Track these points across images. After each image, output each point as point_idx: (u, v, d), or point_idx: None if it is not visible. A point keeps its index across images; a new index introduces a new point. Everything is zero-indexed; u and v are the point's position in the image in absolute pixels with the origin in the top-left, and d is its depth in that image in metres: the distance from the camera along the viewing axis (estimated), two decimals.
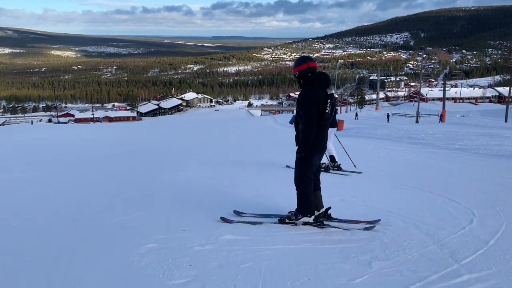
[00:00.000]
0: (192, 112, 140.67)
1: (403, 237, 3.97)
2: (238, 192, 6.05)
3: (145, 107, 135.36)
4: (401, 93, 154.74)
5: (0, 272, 3.26)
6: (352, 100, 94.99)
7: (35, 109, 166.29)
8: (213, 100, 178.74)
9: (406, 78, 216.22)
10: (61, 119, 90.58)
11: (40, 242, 3.95)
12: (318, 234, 4.09)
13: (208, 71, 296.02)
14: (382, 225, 4.33)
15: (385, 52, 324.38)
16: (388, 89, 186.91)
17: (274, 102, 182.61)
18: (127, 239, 3.97)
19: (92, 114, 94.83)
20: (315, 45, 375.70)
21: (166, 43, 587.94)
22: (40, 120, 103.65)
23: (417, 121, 37.12)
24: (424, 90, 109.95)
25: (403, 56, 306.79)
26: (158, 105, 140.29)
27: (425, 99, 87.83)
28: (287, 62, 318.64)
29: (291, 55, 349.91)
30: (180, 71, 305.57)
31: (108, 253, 3.61)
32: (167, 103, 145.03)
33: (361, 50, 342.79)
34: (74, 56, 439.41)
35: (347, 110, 74.84)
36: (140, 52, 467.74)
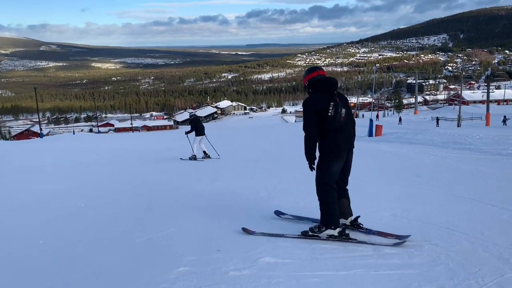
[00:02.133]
0: (227, 119, 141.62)
1: (471, 262, 3.40)
2: (277, 205, 5.60)
3: (181, 116, 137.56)
4: (440, 97, 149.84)
5: None
6: (389, 105, 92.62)
7: (77, 120, 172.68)
8: (247, 107, 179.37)
9: (445, 81, 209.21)
10: (101, 129, 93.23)
11: (65, 264, 3.66)
12: (371, 257, 3.58)
13: (242, 79, 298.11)
14: (445, 247, 3.76)
15: (422, 55, 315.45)
16: (427, 92, 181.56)
17: None
18: (156, 261, 3.62)
19: (131, 124, 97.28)
20: (350, 50, 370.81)
21: (201, 53, 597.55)
22: (82, 130, 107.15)
23: (458, 125, 35.43)
24: (465, 93, 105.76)
25: (442, 59, 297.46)
26: (194, 114, 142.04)
27: (466, 102, 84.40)
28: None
29: (325, 60, 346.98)
30: (215, 80, 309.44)
31: (136, 278, 3.26)
32: (202, 112, 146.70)
33: (398, 54, 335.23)
34: (113, 67, 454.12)
35: (384, 115, 72.82)
36: (177, 62, 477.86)
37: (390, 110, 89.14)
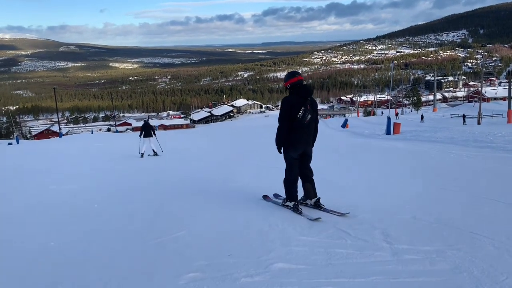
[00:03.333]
0: (243, 118, 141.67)
1: (497, 269, 3.20)
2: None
3: (198, 115, 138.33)
4: (459, 93, 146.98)
5: None
6: (407, 102, 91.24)
7: (95, 119, 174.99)
8: (263, 106, 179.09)
9: (465, 78, 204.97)
10: (119, 128, 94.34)
11: (76, 267, 3.58)
12: (389, 263, 3.40)
13: (258, 77, 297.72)
14: (468, 252, 3.56)
15: (441, 51, 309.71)
16: (446, 89, 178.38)
17: (325, 106, 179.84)
18: (167, 265, 3.52)
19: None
20: (367, 47, 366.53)
21: (218, 52, 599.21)
22: (100, 130, 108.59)
23: (479, 122, 34.55)
24: (486, 90, 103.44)
25: (461, 55, 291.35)
26: (210, 112, 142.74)
27: (486, 99, 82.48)
28: (338, 65, 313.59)
29: (341, 57, 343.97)
30: (231, 79, 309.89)
31: (145, 283, 3.17)
32: (218, 110, 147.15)
33: (415, 50, 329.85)
34: (130, 67, 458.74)
35: (402, 112, 71.79)
36: (193, 61, 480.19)
37: (408, 108, 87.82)
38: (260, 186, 7.02)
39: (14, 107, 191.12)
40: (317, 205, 5.24)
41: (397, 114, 48.66)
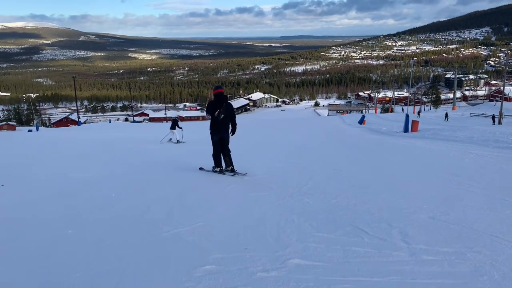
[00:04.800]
0: (259, 111, 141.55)
1: None
2: (307, 201, 5.44)
3: None
4: (480, 92, 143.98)
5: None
6: (426, 100, 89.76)
7: (113, 109, 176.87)
8: (279, 99, 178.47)
9: (486, 76, 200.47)
10: (136, 118, 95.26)
11: (92, 256, 3.62)
12: (407, 263, 3.36)
13: (275, 71, 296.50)
14: (489, 255, 3.49)
15: (462, 49, 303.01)
16: (466, 87, 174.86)
17: (342, 102, 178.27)
18: (183, 256, 3.54)
19: (165, 114, 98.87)
20: (386, 43, 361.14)
21: (235, 44, 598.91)
22: (118, 119, 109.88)
23: (499, 122, 33.78)
24: (508, 89, 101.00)
25: (483, 53, 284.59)
26: None
27: (508, 98, 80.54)
28: (356, 61, 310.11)
29: (360, 53, 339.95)
30: (248, 72, 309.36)
31: (161, 275, 3.19)
32: (234, 103, 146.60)
33: (436, 47, 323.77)
34: (149, 58, 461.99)
35: (421, 110, 70.68)
36: (211, 53, 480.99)
37: (427, 105, 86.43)
38: (275, 181, 7.00)
39: (35, 95, 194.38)
40: (233, 171, 7.65)
41: (418, 113, 47.41)
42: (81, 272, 3.25)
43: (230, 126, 7.67)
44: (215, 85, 7.77)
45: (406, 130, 21.44)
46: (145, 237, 4.10)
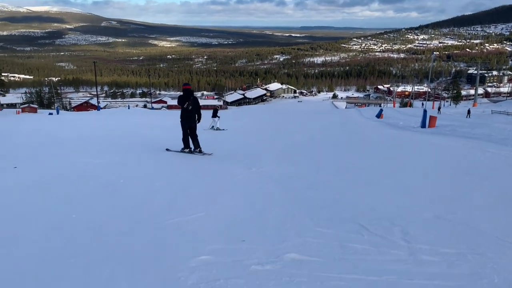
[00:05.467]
0: (275, 102, 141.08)
1: None
2: (313, 196, 5.40)
3: (231, 97, 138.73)
4: (503, 89, 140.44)
5: (41, 272, 3.01)
6: (446, 95, 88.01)
7: (132, 95, 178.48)
8: (297, 91, 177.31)
9: (511, 73, 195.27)
10: (154, 105, 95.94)
11: (92, 241, 3.68)
12: (405, 262, 3.31)
13: (294, 61, 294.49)
14: (491, 258, 3.42)
15: (487, 44, 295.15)
16: (489, 84, 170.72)
17: (361, 95, 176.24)
18: (181, 246, 3.57)
19: None
20: (408, 36, 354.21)
21: (255, 34, 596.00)
22: (136, 105, 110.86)
23: None
24: None
25: (508, 49, 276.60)
26: (243, 95, 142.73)
27: None
28: (377, 53, 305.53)
29: (381, 45, 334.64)
30: (266, 62, 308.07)
31: (156, 264, 3.22)
32: (252, 93, 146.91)
33: (460, 42, 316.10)
34: (169, 45, 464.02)
35: (440, 106, 69.42)
36: (230, 42, 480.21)
37: (447, 101, 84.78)
38: (282, 173, 6.98)
39: (56, 79, 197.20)
40: (200, 152, 9.11)
41: (439, 109, 46.20)
42: (78, 257, 3.31)
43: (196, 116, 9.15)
44: (184, 82, 9.75)
45: (423, 125, 21.08)
46: (147, 225, 4.15)
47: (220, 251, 3.43)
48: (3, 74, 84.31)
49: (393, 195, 5.55)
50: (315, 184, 6.13)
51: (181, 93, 9.08)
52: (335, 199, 5.24)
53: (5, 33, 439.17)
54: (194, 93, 9.23)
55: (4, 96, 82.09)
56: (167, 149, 9.55)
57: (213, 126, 20.02)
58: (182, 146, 9.32)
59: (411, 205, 5.04)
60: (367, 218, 4.40)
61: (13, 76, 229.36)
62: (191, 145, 9.24)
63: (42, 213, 4.50)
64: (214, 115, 20.47)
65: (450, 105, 78.74)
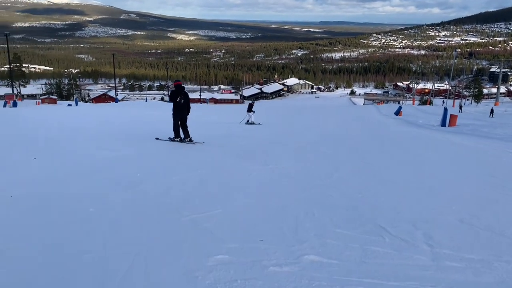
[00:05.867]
0: (293, 97, 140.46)
1: None
2: (330, 194, 5.30)
3: (248, 91, 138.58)
4: None
5: (54, 270, 2.99)
6: (467, 93, 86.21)
7: (150, 88, 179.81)
8: (314, 86, 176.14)
9: None
10: None
11: (108, 236, 3.66)
12: (428, 268, 3.19)
13: (312, 56, 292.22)
14: None
15: (510, 42, 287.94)
16: (511, 82, 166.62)
17: (379, 91, 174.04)
18: (196, 244, 3.51)
19: (200, 95, 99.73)
20: (429, 32, 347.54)
21: (273, 28, 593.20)
22: (154, 98, 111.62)
23: None
24: None
25: None
26: (260, 89, 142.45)
27: None
28: (397, 50, 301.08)
29: (401, 42, 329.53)
30: (284, 56, 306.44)
31: (172, 262, 3.16)
32: (269, 88, 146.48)
33: (482, 39, 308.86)
34: (187, 39, 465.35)
35: (461, 104, 68.07)
36: (248, 36, 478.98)
37: (468, 99, 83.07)
38: (300, 170, 6.89)
39: (76, 70, 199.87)
40: (191, 141, 9.91)
41: (460, 107, 45.06)
42: (95, 252, 3.28)
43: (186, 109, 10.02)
44: (175, 79, 10.63)
45: (443, 124, 20.67)
46: (163, 220, 4.11)
47: (237, 251, 3.37)
48: (24, 65, 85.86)
49: (415, 196, 5.41)
50: (334, 183, 6.02)
51: (173, 89, 10.07)
52: (355, 199, 5.12)
53: (26, 24, 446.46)
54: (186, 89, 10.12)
55: (25, 87, 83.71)
56: (156, 138, 10.26)
57: (248, 121, 20.37)
58: (173, 136, 10.17)
59: (434, 207, 4.89)
60: (389, 220, 4.28)
61: (34, 67, 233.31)
62: (181, 135, 10.03)
63: (60, 206, 4.50)
64: (249, 109, 20.86)
65: (471, 103, 77.16)
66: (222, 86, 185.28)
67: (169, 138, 10.15)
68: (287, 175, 6.52)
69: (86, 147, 9.02)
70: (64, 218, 4.09)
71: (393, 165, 7.99)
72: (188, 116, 10.12)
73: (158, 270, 3.01)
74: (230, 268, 3.04)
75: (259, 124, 19.75)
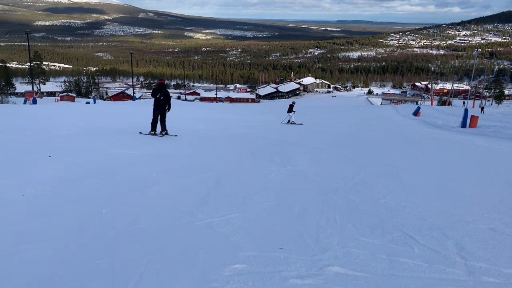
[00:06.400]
0: (309, 97, 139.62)
1: None
2: (352, 199, 5.05)
3: (264, 90, 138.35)
4: None
5: (62, 277, 2.83)
6: (487, 94, 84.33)
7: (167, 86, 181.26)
8: (331, 85, 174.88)
9: None
10: (188, 97, 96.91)
11: (121, 241, 3.49)
12: (464, 284, 2.92)
13: (329, 55, 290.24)
14: None
15: None
16: None
17: (397, 91, 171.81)
18: (213, 251, 3.31)
19: (216, 94, 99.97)
20: (449, 32, 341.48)
21: (290, 27, 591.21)
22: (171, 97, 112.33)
23: None
24: None
25: None
26: (276, 88, 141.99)
27: None
28: (415, 49, 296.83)
29: (420, 41, 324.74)
30: (300, 55, 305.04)
31: (187, 270, 2.98)
32: (285, 87, 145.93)
33: (504, 39, 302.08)
34: (204, 38, 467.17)
35: (484, 105, 66.57)
36: (265, 35, 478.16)
37: (488, 100, 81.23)
38: (319, 173, 6.63)
39: (94, 68, 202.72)
40: (167, 134, 10.88)
41: (482, 109, 43.80)
42: (106, 258, 3.11)
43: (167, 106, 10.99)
44: (160, 78, 12.80)
45: (464, 125, 20.10)
46: (178, 224, 3.93)
47: (256, 259, 3.16)
48: (44, 63, 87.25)
49: (440, 202, 5.12)
50: (355, 186, 5.76)
51: (156, 87, 11.10)
52: (378, 204, 4.87)
53: (47, 23, 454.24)
54: (168, 88, 11.55)
55: (44, 84, 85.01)
56: (140, 133, 11.08)
57: (289, 120, 20.65)
58: (150, 130, 11.03)
59: (462, 213, 4.60)
60: (416, 228, 4.01)
61: (54, 65, 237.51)
62: (158, 129, 10.98)
63: (72, 207, 4.36)
64: (290, 110, 21.15)
65: (491, 104, 75.50)
66: (238, 85, 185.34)
67: (149, 133, 10.96)
68: (306, 177, 6.28)
69: (102, 146, 8.92)
70: (75, 220, 3.94)
71: (414, 167, 7.67)
72: (206, 115, 10.36)
73: (171, 280, 2.82)
74: (248, 279, 2.84)
75: (300, 124, 19.84)
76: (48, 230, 3.65)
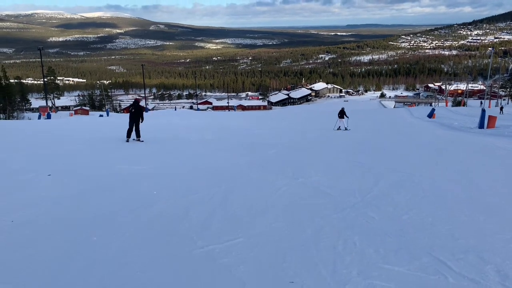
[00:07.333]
0: (321, 102, 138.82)
1: None
2: (371, 216, 4.54)
3: (275, 97, 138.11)
4: None
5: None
6: (503, 93, 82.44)
7: (179, 97, 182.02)
8: (343, 90, 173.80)
9: None
10: (200, 106, 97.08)
11: (108, 275, 3.05)
12: None
13: (339, 60, 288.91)
14: None
15: None
16: None
17: (410, 93, 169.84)
18: (212, 287, 2.85)
19: (228, 103, 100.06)
20: (461, 32, 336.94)
21: (300, 33, 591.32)
22: (183, 107, 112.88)
23: None
24: None
25: None
26: (288, 95, 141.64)
27: None
28: (427, 51, 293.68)
29: (431, 42, 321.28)
30: (311, 61, 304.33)
31: None
32: (296, 93, 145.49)
33: None
34: (214, 47, 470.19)
35: (503, 105, 65.07)
36: (275, 43, 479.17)
37: (504, 99, 79.35)
38: (333, 186, 6.12)
39: (107, 82, 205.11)
40: (139, 140, 12.44)
41: (501, 109, 42.33)
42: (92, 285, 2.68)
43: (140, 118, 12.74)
44: (136, 98, 14.94)
45: (481, 126, 19.33)
46: (174, 253, 3.47)
47: None
48: (58, 78, 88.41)
49: (472, 217, 4.57)
50: (374, 200, 5.23)
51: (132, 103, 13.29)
52: (402, 221, 4.34)
53: (61, 39, 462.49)
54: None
55: (59, 99, 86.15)
56: (127, 138, 12.58)
57: (339, 127, 20.92)
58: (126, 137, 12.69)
59: (500, 230, 4.05)
60: (447, 250, 3.49)
61: (68, 80, 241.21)
62: (132, 137, 12.61)
63: (60, 233, 3.95)
64: (341, 116, 21.38)
65: (507, 103, 73.76)
66: (249, 93, 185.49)
67: (126, 140, 12.62)
68: (319, 190, 5.78)
69: (106, 160, 8.58)
70: (60, 251, 3.52)
71: (437, 176, 7.08)
72: (218, 123, 10.05)
73: None
74: None
75: (349, 129, 20.20)
76: (34, 262, 3.23)
